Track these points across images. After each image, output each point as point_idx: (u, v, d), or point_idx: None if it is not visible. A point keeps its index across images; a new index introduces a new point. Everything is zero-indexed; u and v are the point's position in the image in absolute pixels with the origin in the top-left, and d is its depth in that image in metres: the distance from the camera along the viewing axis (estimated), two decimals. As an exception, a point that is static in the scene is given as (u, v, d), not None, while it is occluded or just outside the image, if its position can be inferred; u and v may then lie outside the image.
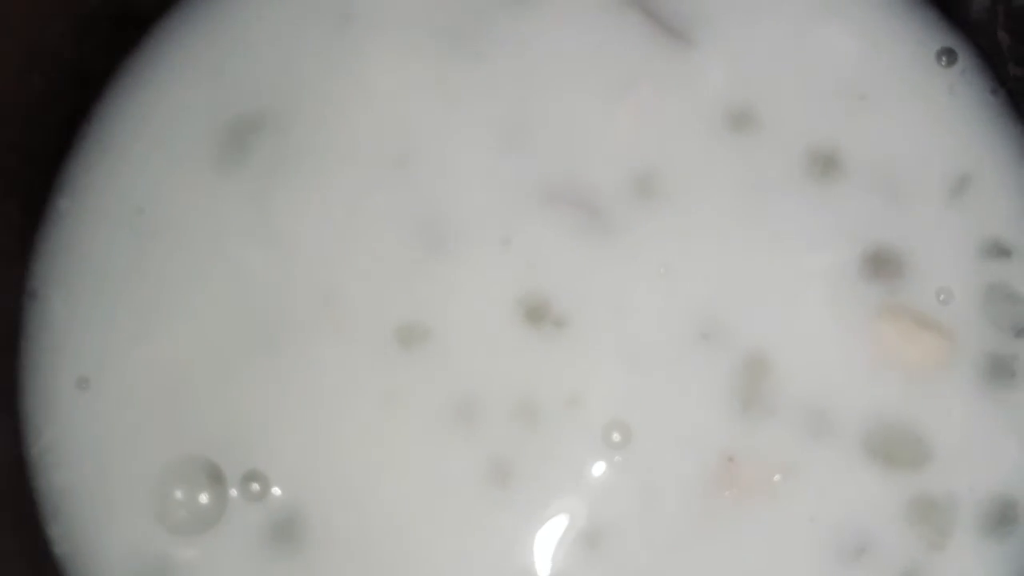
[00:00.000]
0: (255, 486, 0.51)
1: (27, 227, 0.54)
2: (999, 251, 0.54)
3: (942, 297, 0.53)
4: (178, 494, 0.51)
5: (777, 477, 0.51)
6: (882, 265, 0.53)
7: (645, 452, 0.52)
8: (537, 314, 0.52)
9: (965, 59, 0.55)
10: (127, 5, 0.55)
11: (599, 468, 0.51)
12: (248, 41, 0.55)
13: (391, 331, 0.52)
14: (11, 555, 0.51)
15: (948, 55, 0.55)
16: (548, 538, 0.51)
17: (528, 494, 0.51)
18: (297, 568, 0.51)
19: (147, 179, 0.54)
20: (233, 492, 0.51)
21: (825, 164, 0.54)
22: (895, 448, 0.52)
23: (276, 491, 0.51)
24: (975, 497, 0.52)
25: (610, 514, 0.51)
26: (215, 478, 0.51)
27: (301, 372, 0.52)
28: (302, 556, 0.51)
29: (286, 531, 0.51)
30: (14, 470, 0.53)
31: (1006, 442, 0.52)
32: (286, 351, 0.52)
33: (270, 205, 0.53)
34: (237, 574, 0.51)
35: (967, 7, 0.55)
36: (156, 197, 0.54)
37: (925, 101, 0.55)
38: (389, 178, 0.53)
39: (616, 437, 0.51)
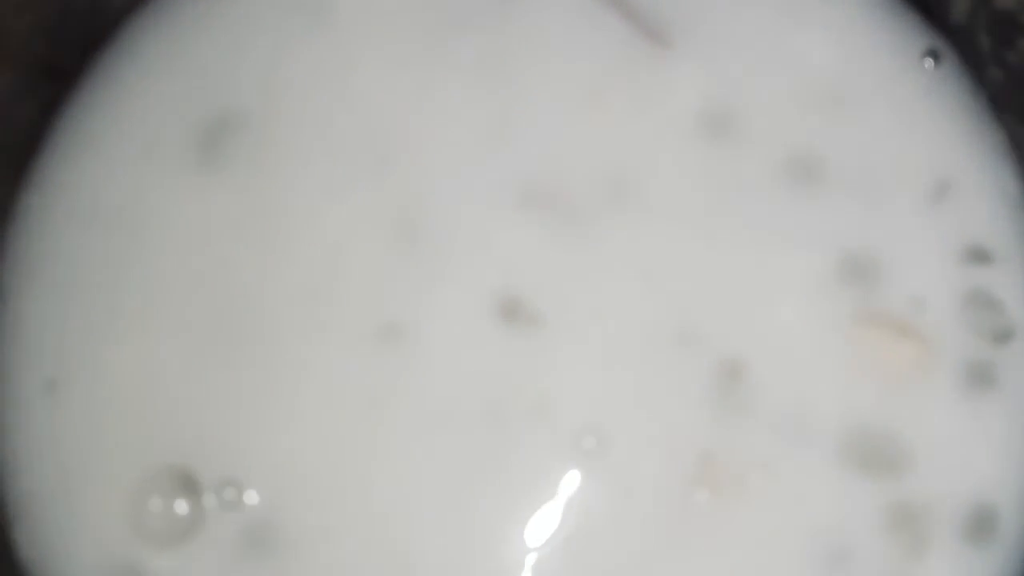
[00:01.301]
0: (231, 493, 0.50)
1: (-4, 224, 0.53)
2: (979, 257, 0.53)
3: (921, 303, 0.52)
4: (152, 502, 0.50)
5: (754, 479, 0.51)
6: (860, 270, 0.53)
7: (620, 453, 0.51)
8: (515, 315, 0.51)
9: (946, 62, 0.55)
10: (100, -2, 0.54)
11: (573, 471, 0.50)
12: (225, 36, 0.54)
13: (372, 331, 0.51)
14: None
15: (930, 57, 0.55)
16: (524, 545, 0.50)
17: (505, 498, 0.50)
18: (275, 577, 0.51)
19: (121, 176, 0.53)
20: (209, 500, 0.50)
21: (803, 169, 0.53)
22: (873, 454, 0.51)
23: (252, 497, 0.50)
24: (954, 505, 0.51)
25: (586, 518, 0.50)
26: (190, 486, 0.50)
27: (279, 373, 0.51)
28: (280, 565, 0.50)
29: (263, 539, 0.50)
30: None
31: (986, 449, 0.52)
32: (265, 351, 0.51)
33: (251, 204, 0.52)
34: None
35: (948, 9, 0.55)
36: (131, 195, 0.53)
37: (906, 105, 0.55)
38: (370, 178, 0.52)
39: (591, 438, 0.51)
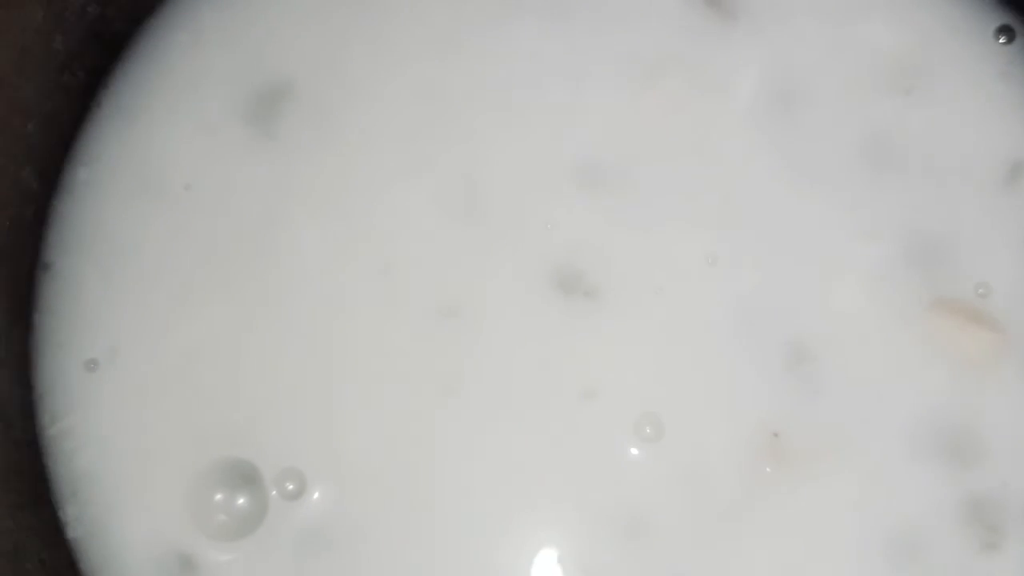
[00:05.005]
0: (293, 486, 0.47)
1: (43, 196, 0.51)
2: (1055, 241, 0.51)
3: (994, 289, 0.50)
4: (211, 493, 0.48)
5: (824, 460, 0.49)
6: (931, 255, 0.50)
7: (682, 430, 0.49)
8: (574, 293, 0.50)
9: (1020, 39, 0.53)
10: (153, -35, 0.51)
11: (637, 447, 0.49)
12: (274, 5, 0.52)
13: (435, 308, 0.49)
14: (25, 532, 0.48)
15: (1005, 33, 0.53)
16: (587, 533, 0.48)
17: (571, 485, 0.49)
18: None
19: (177, 148, 0.51)
20: (271, 494, 0.47)
21: (872, 151, 0.51)
22: (946, 443, 0.49)
23: (315, 491, 0.48)
24: (1032, 497, 0.49)
25: (649, 494, 0.49)
26: (251, 477, 0.48)
27: (345, 356, 0.49)
28: (341, 561, 0.48)
29: (324, 535, 0.48)
30: (30, 447, 0.49)
31: (1063, 440, 0.49)
32: (331, 331, 0.49)
33: (312, 176, 0.50)
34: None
35: (1019, -14, 0.52)
36: (187, 167, 0.50)
37: (978, 85, 0.52)
38: (430, 153, 0.51)
39: (653, 414, 0.49)
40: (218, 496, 0.48)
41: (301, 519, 0.48)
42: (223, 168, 0.50)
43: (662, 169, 0.51)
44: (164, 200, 0.50)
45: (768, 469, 0.49)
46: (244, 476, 0.48)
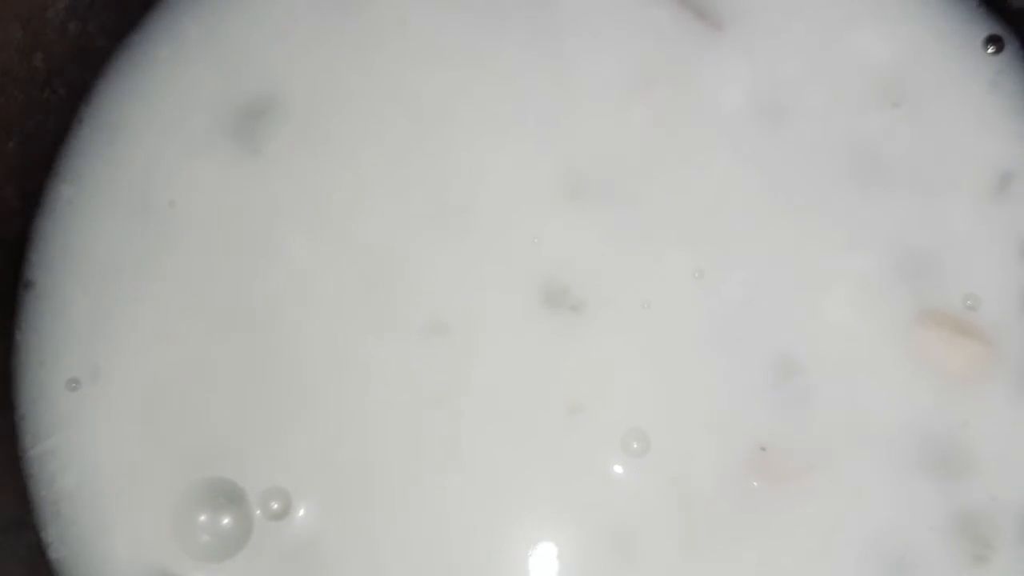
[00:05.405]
0: (278, 505, 0.47)
1: (25, 214, 0.50)
2: (1043, 253, 0.50)
3: (983, 301, 0.50)
4: (195, 513, 0.47)
5: (810, 472, 0.49)
6: (920, 268, 0.50)
7: (666, 446, 0.49)
8: (561, 307, 0.49)
9: (1009, 49, 0.52)
10: (134, -21, 0.51)
11: (623, 462, 0.48)
12: (258, 20, 0.52)
13: (421, 325, 0.49)
14: (7, 553, 0.48)
15: (993, 43, 0.52)
16: (575, 548, 0.48)
17: (556, 498, 0.48)
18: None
19: (158, 165, 0.50)
20: (255, 513, 0.47)
21: (859, 163, 0.51)
22: (934, 456, 0.49)
23: (300, 510, 0.48)
24: (1021, 508, 0.49)
25: (636, 509, 0.48)
26: (235, 497, 0.47)
27: (331, 373, 0.48)
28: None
29: (309, 554, 0.47)
30: (11, 467, 0.49)
31: (1052, 453, 0.49)
32: (318, 347, 0.49)
33: (297, 191, 0.50)
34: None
35: (1008, -3, 0.52)
36: (172, 183, 0.50)
37: (966, 96, 0.52)
38: (415, 167, 0.50)
39: (638, 430, 0.49)
40: (202, 517, 0.47)
41: (286, 538, 0.48)
42: (208, 184, 0.50)
43: (649, 183, 0.50)
44: (148, 217, 0.50)
45: (755, 484, 0.48)
46: (228, 496, 0.47)
